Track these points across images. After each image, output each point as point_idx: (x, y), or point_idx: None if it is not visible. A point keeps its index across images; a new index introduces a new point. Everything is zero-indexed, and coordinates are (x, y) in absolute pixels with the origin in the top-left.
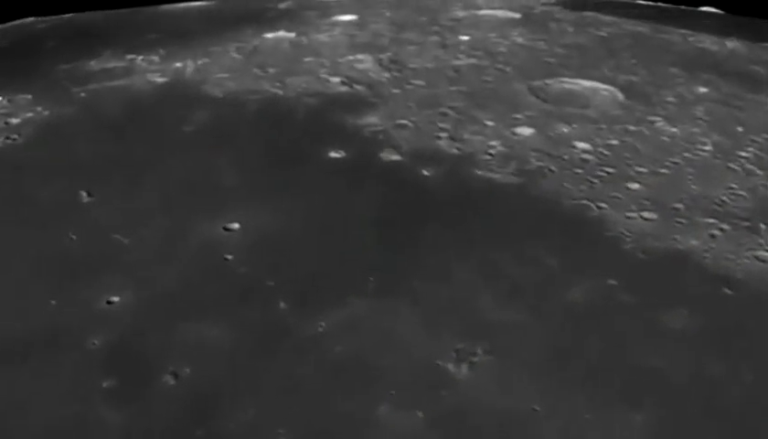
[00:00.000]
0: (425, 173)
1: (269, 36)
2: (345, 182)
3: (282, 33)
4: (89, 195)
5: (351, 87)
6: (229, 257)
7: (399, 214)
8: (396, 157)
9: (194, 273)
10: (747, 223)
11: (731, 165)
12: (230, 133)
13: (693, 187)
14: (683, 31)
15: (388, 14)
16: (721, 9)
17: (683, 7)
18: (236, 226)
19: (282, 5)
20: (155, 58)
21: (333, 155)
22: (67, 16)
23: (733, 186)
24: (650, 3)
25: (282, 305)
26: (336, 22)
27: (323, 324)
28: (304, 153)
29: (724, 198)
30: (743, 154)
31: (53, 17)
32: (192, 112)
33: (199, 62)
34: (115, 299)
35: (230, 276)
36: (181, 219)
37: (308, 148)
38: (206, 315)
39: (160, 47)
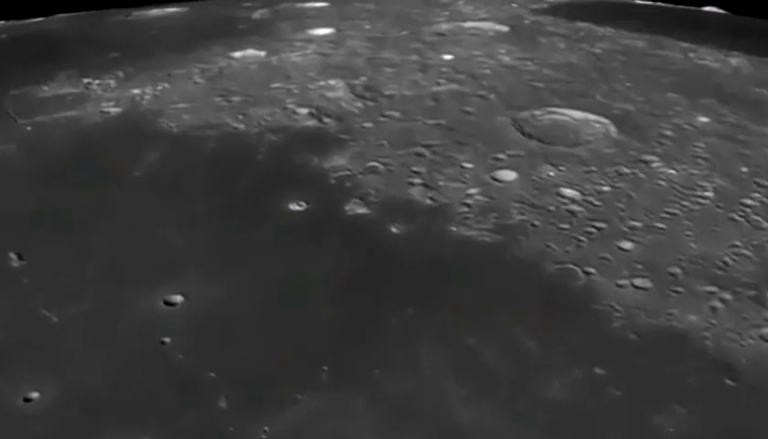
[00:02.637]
0: (394, 230)
1: (237, 54)
2: (304, 243)
3: (251, 51)
4: (19, 258)
5: (320, 120)
6: (167, 340)
7: (362, 284)
8: (363, 210)
9: (127, 361)
10: (752, 292)
11: (735, 216)
12: (182, 179)
13: (692, 245)
14: (683, 44)
15: (367, 26)
16: (725, 9)
17: (683, 7)
18: (179, 299)
19: (255, 15)
20: (112, 83)
21: (293, 207)
22: (35, 20)
23: (737, 243)
24: (649, 2)
25: (222, 403)
26: (310, 37)
27: (266, 428)
28: (260, 205)
29: (726, 258)
30: (748, 201)
31: (18, 24)
32: (143, 153)
33: (159, 88)
34: (35, 395)
35: (167, 365)
36: (119, 290)
37: (266, 199)
38: (135, 417)
39: (119, 68)
